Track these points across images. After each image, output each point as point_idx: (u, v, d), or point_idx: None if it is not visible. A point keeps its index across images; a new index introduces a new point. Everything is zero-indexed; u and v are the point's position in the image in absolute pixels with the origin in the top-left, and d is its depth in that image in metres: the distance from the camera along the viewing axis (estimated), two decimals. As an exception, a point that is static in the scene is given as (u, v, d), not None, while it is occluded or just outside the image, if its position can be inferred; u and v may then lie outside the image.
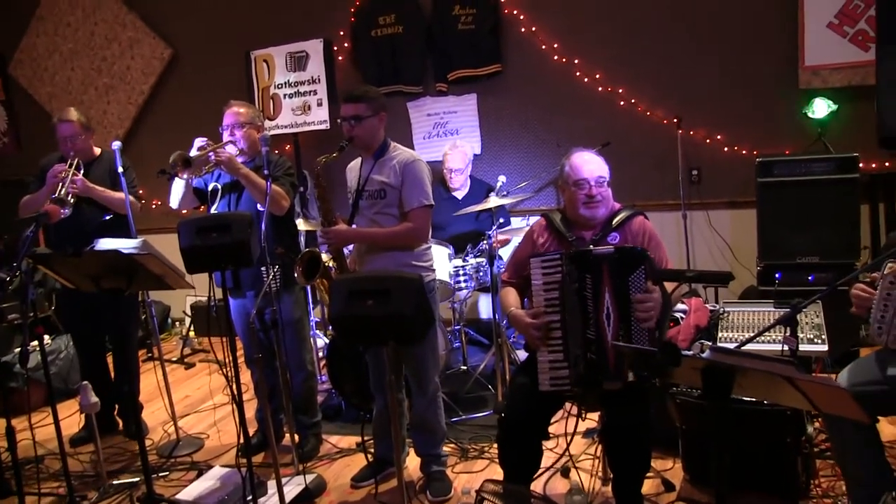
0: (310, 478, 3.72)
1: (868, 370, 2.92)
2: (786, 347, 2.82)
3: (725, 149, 5.58)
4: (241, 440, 3.21)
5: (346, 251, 3.77)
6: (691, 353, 2.17)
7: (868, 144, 4.47)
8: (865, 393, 2.83)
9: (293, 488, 3.61)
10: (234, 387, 3.19)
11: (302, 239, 5.32)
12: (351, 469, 3.95)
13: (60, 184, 4.12)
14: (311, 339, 4.83)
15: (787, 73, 5.39)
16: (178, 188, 3.93)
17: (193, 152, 3.77)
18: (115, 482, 3.93)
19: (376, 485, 3.70)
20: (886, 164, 5.13)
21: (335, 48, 6.33)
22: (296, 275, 3.74)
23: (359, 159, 3.67)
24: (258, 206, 3.75)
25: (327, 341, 5.11)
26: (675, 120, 5.55)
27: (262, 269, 3.65)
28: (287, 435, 4.06)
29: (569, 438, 3.20)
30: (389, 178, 3.50)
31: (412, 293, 2.54)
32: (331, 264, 3.82)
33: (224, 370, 3.35)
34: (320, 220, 3.66)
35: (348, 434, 4.39)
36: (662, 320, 2.87)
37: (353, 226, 3.61)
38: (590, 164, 3.12)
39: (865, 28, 5.06)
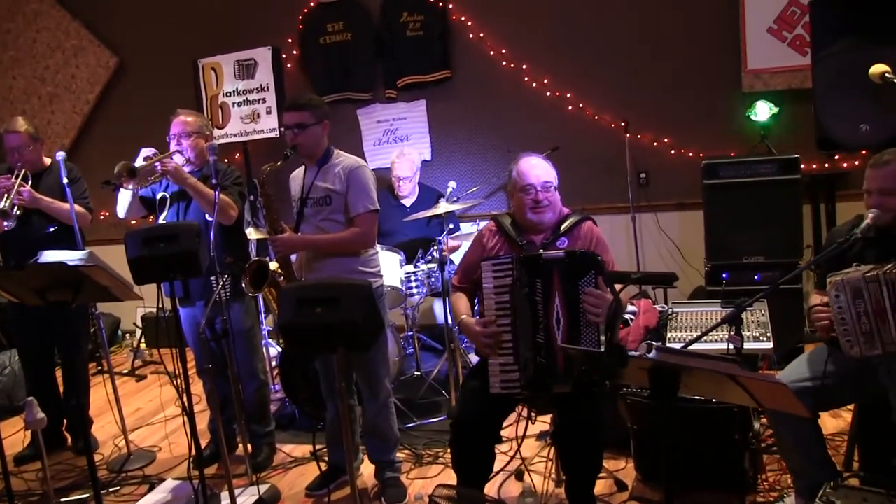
0: (263, 488, 3.69)
1: (807, 366, 3.00)
2: (731, 346, 2.87)
3: (672, 151, 5.67)
4: (193, 452, 3.17)
5: (292, 259, 3.76)
6: (638, 353, 2.21)
7: (809, 146, 4.58)
8: (806, 388, 2.91)
9: (247, 499, 3.58)
10: (185, 398, 3.16)
11: (253, 248, 5.28)
12: (305, 478, 3.93)
13: (6, 195, 4.05)
14: (264, 348, 4.81)
15: (731, 76, 5.51)
16: (124, 198, 3.88)
17: (139, 162, 3.73)
18: (63, 500, 3.85)
19: (329, 493, 3.68)
20: (826, 164, 5.27)
21: (284, 56, 6.30)
22: (243, 285, 3.72)
23: (302, 168, 3.68)
24: (206, 215, 3.73)
25: (280, 350, 5.08)
26: (623, 124, 5.63)
27: (212, 278, 3.63)
28: (241, 445, 4.02)
29: (520, 441, 3.22)
30: (334, 184, 3.51)
31: (361, 300, 2.54)
32: (279, 273, 3.80)
33: (175, 381, 3.31)
34: (267, 230, 3.65)
35: (302, 443, 4.36)
36: (614, 322, 2.92)
37: (300, 233, 3.60)
38: (536, 170, 3.16)
39: (803, 33, 5.20)
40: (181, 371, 3.16)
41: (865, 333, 2.71)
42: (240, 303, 3.96)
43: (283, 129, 3.64)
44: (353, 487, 2.82)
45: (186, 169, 3.84)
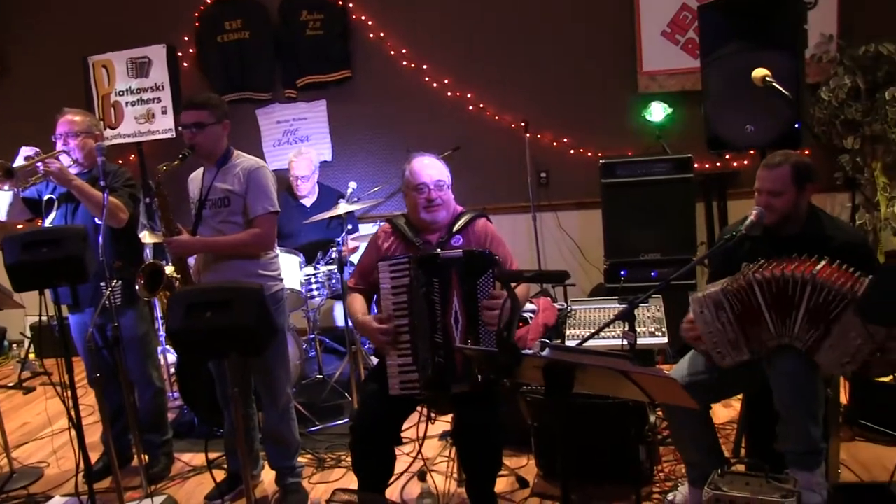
0: (160, 499, 3.58)
1: (699, 360, 3.09)
2: (625, 342, 2.93)
3: (572, 151, 5.77)
4: (82, 466, 3.05)
5: (189, 262, 3.65)
6: (531, 352, 2.22)
7: (701, 146, 4.72)
8: (698, 382, 3.00)
9: (141, 513, 3.46)
10: (72, 409, 3.03)
11: (149, 251, 5.13)
12: (204, 487, 3.82)
13: None
14: (162, 355, 4.66)
15: (627, 78, 5.67)
16: (4, 199, 3.69)
17: (18, 162, 3.55)
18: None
19: (223, 502, 3.59)
20: (717, 164, 5.46)
21: (180, 54, 6.12)
22: (137, 288, 3.61)
23: (201, 169, 3.58)
24: (95, 218, 3.59)
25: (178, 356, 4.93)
26: (523, 124, 5.69)
27: (102, 283, 3.50)
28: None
29: (421, 442, 3.22)
30: (233, 185, 3.43)
31: (253, 304, 2.48)
32: (175, 276, 3.69)
33: (63, 392, 3.17)
34: (162, 232, 3.54)
35: (202, 451, 4.21)
36: (511, 321, 2.93)
37: (197, 236, 3.50)
38: (429, 169, 3.16)
39: (694, 37, 5.37)
40: (69, 381, 3.03)
41: (731, 341, 2.83)
42: (133, 308, 3.82)
43: (180, 127, 3.53)
44: (248, 497, 2.76)
45: (74, 170, 3.68)
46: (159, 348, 5.26)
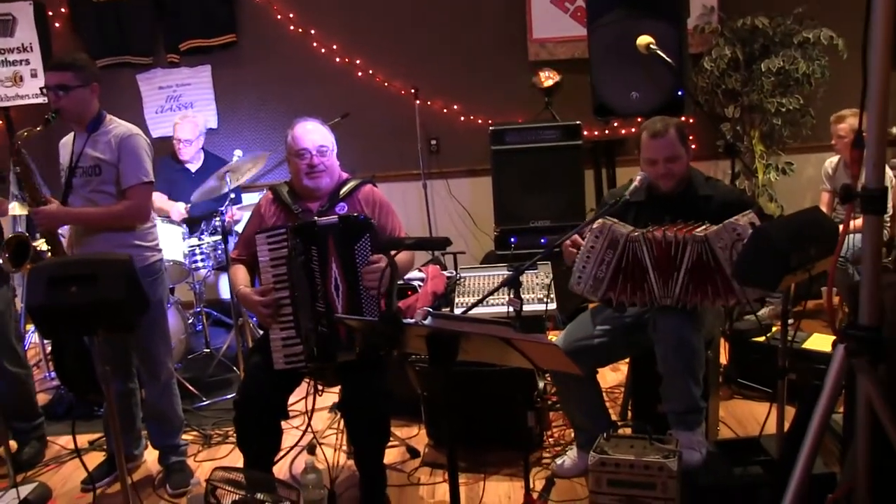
0: (29, 487, 3.37)
1: (586, 325, 3.12)
2: (511, 309, 2.93)
3: (462, 118, 5.76)
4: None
5: (62, 234, 3.46)
6: (414, 320, 2.18)
7: (589, 113, 4.76)
8: (584, 347, 3.03)
9: (8, 503, 3.25)
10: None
11: (20, 225, 4.85)
12: (83, 471, 3.62)
13: None
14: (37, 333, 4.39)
15: (518, 45, 5.67)
16: None
17: None
18: None
19: (94, 488, 3.42)
20: (606, 131, 5.54)
21: (50, 13, 5.77)
22: (1, 262, 3.39)
23: (72, 134, 3.38)
24: None
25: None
26: (413, 91, 5.63)
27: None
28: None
29: (309, 415, 3.15)
30: (105, 153, 3.25)
31: (121, 276, 2.34)
32: (46, 249, 3.49)
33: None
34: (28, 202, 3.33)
35: (82, 432, 4.03)
36: (390, 289, 2.89)
37: (68, 206, 3.31)
38: (312, 134, 3.07)
39: (582, 5, 5.39)
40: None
41: (597, 279, 2.87)
42: (-11, 285, 3.58)
43: (43, 89, 3.31)
44: (122, 480, 2.63)
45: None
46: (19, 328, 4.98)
